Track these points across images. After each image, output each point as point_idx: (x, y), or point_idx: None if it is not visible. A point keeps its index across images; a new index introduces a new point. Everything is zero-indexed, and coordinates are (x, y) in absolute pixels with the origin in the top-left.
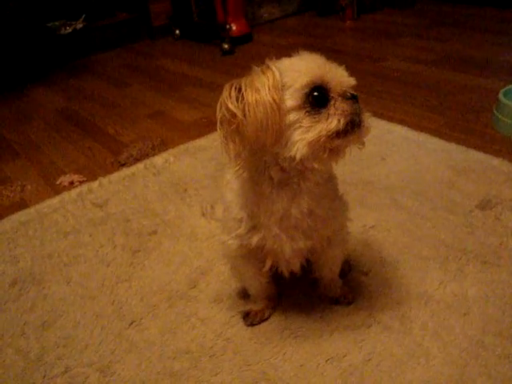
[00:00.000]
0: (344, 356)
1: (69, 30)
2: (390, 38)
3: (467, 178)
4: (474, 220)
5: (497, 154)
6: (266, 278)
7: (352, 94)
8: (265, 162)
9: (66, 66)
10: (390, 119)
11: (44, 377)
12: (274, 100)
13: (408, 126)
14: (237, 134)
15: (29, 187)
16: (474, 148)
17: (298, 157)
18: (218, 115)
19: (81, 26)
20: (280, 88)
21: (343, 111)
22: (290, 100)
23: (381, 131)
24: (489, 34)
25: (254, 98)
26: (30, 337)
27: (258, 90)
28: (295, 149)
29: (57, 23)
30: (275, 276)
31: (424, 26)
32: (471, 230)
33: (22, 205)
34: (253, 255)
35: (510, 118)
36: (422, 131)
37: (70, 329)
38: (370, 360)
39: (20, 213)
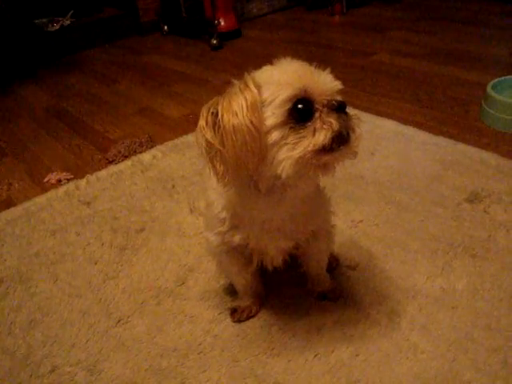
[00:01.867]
0: (332, 351)
1: (56, 26)
2: (379, 31)
3: (456, 171)
4: (462, 213)
5: (485, 147)
6: (250, 275)
7: (339, 104)
8: (251, 177)
9: (53, 63)
10: (379, 113)
11: (31, 376)
12: (253, 123)
13: (397, 120)
14: (219, 160)
15: (16, 185)
16: (463, 141)
17: (283, 176)
18: (197, 143)
19: (68, 22)
20: (259, 107)
21: (330, 125)
22: (273, 117)
23: (370, 126)
24: (477, 27)
25: (231, 123)
26: (17, 336)
27: (235, 114)
28: (281, 168)
29: (44, 20)
30: (261, 272)
31: (413, 19)
32: (459, 224)
33: (8, 203)
34: (236, 252)
35: (499, 112)
36: (411, 125)
37: (57, 327)
38: (358, 355)
39: (7, 211)
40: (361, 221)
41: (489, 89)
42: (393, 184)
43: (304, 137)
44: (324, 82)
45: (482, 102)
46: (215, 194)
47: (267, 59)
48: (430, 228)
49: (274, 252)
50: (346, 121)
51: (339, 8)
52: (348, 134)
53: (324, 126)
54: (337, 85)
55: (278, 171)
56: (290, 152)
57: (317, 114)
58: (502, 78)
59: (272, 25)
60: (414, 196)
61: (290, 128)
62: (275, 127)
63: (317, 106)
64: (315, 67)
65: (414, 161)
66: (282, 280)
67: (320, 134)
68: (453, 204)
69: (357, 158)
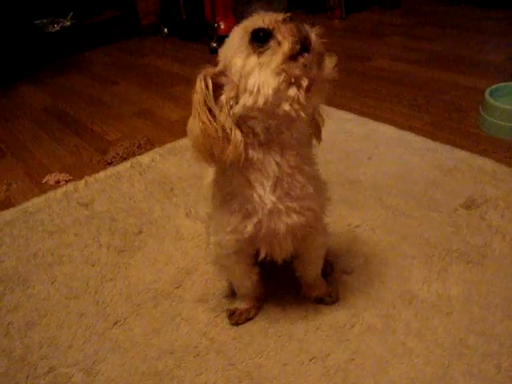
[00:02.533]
0: (328, 355)
1: (57, 27)
2: (377, 37)
3: (453, 177)
4: (458, 219)
5: (482, 153)
6: (256, 275)
7: (289, 16)
8: (248, 129)
9: (53, 64)
10: (377, 118)
11: (27, 377)
12: (205, 120)
13: (395, 125)
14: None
15: (14, 186)
16: (460, 147)
17: (265, 97)
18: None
19: (69, 23)
20: (210, 96)
21: (290, 30)
22: (239, 55)
23: (367, 130)
24: (475, 33)
25: (192, 126)
26: (14, 337)
27: (194, 117)
28: (261, 92)
29: (44, 21)
30: (262, 274)
31: (411, 25)
32: (456, 230)
33: (7, 204)
34: (245, 250)
35: (496, 118)
36: (408, 130)
37: (54, 329)
38: (353, 359)
39: (5, 212)
40: (357, 225)
41: (486, 95)
42: (390, 189)
43: (272, 53)
44: (278, 15)
45: (480, 109)
46: (218, 193)
47: None
48: (427, 233)
49: (284, 231)
50: (302, 26)
51: (338, 13)
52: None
53: (285, 35)
54: (287, 14)
55: (261, 96)
56: (264, 71)
57: (275, 31)
58: (501, 84)
59: None
60: (411, 201)
61: (258, 53)
62: (244, 61)
63: (273, 26)
64: None
65: (412, 166)
66: (279, 283)
67: (284, 42)
68: (449, 210)
69: (354, 161)
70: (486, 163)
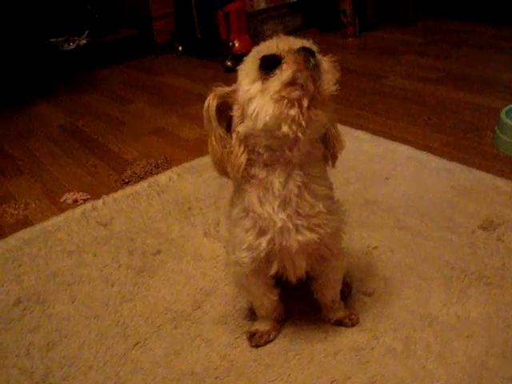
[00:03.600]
0: (349, 378)
1: (72, 46)
2: (391, 55)
3: (470, 198)
4: (476, 241)
5: (499, 173)
6: (276, 296)
7: (302, 47)
8: (253, 147)
9: (68, 82)
10: (393, 138)
11: None
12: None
13: (410, 145)
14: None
15: (33, 205)
16: (477, 167)
17: (266, 119)
18: None
19: (84, 42)
20: (214, 115)
21: (295, 60)
22: (247, 79)
23: (384, 150)
24: (490, 51)
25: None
26: (35, 357)
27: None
28: (261, 114)
29: (60, 39)
30: (283, 294)
31: (425, 43)
32: (474, 251)
33: (25, 222)
34: (262, 270)
35: None
36: (424, 150)
37: (75, 349)
38: (374, 382)
39: (24, 231)
40: (375, 247)
41: (502, 115)
42: (407, 210)
43: (273, 81)
44: (293, 43)
45: (496, 128)
46: (236, 210)
47: None
48: (445, 255)
49: (297, 248)
50: (311, 57)
51: (352, 30)
52: (316, 64)
53: (290, 64)
54: (307, 43)
55: (259, 120)
56: (264, 98)
57: (283, 60)
58: None
59: None
60: (429, 222)
61: (263, 80)
62: (250, 85)
63: (283, 54)
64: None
65: (428, 186)
66: (298, 305)
67: (286, 70)
68: (467, 231)
69: (371, 182)
70: (504, 184)
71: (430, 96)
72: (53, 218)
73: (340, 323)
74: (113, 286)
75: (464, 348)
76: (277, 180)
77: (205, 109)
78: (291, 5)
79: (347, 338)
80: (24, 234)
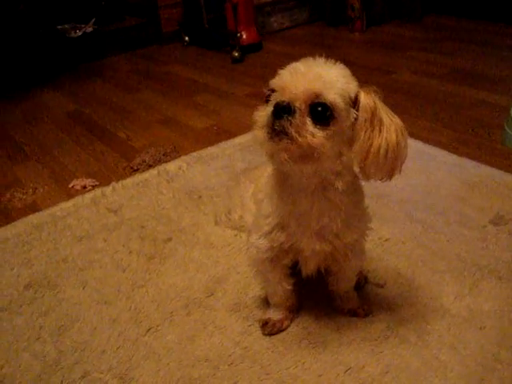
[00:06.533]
0: (362, 367)
1: (79, 33)
2: (398, 50)
3: (480, 192)
4: (487, 235)
5: (508, 169)
6: (290, 285)
7: (280, 106)
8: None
9: (75, 69)
10: None
11: (62, 381)
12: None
13: (420, 140)
14: None
15: (41, 190)
16: (486, 163)
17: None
18: None
19: (91, 29)
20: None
21: (265, 112)
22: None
23: None
24: (495, 49)
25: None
26: (47, 341)
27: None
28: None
29: (67, 26)
30: (297, 283)
31: (431, 39)
32: (485, 245)
33: (34, 207)
34: (279, 259)
35: None
36: (433, 145)
37: (87, 334)
38: (388, 372)
39: (33, 215)
40: (387, 239)
41: (511, 112)
42: (418, 203)
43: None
44: (294, 84)
45: (505, 125)
46: (267, 189)
47: None
48: (456, 248)
49: (309, 254)
50: (283, 120)
51: (359, 25)
52: (281, 132)
53: (261, 111)
54: (304, 89)
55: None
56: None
57: (270, 102)
58: None
59: (292, 39)
60: (439, 216)
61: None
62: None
63: (275, 96)
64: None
65: (439, 181)
66: (312, 295)
67: (258, 113)
68: (478, 225)
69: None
70: None
71: (437, 92)
72: (61, 204)
73: (353, 313)
74: (124, 271)
75: (477, 340)
76: (303, 200)
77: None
78: None
79: (361, 328)
80: (33, 218)
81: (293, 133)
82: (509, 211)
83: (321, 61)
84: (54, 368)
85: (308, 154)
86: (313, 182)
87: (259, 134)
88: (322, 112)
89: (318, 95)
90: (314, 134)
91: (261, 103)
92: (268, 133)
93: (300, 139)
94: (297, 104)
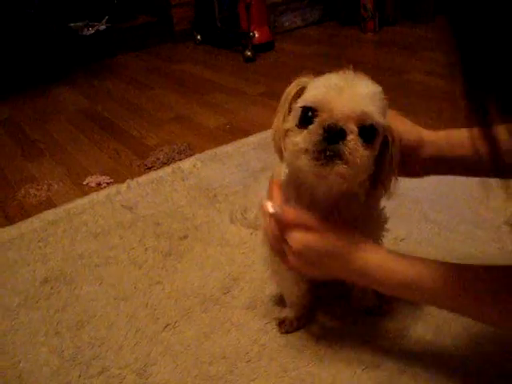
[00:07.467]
0: (379, 365)
1: (91, 30)
2: (411, 51)
3: (494, 193)
4: (502, 236)
5: None
6: (305, 284)
7: (334, 131)
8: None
9: (88, 67)
10: None
11: (80, 376)
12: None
13: None
14: None
15: (55, 186)
16: None
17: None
18: None
19: (104, 27)
20: (287, 101)
21: (310, 135)
22: (292, 115)
23: None
24: None
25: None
26: (64, 336)
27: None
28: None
29: (80, 24)
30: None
31: (444, 40)
32: (501, 246)
33: (49, 204)
34: None
35: None
36: None
37: (104, 329)
38: (404, 371)
39: (48, 212)
40: (403, 239)
41: None
42: (433, 203)
43: (298, 134)
44: (342, 104)
45: None
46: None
47: (299, 72)
48: (472, 249)
49: None
50: (338, 145)
51: (372, 25)
52: (334, 156)
53: (305, 134)
54: (358, 108)
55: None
56: (286, 141)
57: (312, 125)
58: None
59: (304, 38)
60: (455, 216)
61: (296, 126)
62: (289, 123)
63: (317, 119)
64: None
65: (453, 181)
66: (328, 294)
67: (300, 137)
68: (493, 226)
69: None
70: None
71: (452, 93)
72: (76, 201)
73: (370, 312)
74: (140, 268)
75: (492, 339)
76: (320, 205)
77: (287, 89)
78: None
79: (377, 326)
80: (48, 215)
81: (348, 157)
82: None
83: (356, 75)
84: (71, 363)
85: (356, 174)
86: (334, 193)
87: (303, 160)
88: (370, 132)
89: (369, 116)
90: (364, 155)
91: (275, 103)
92: (316, 159)
93: (355, 162)
94: (350, 126)
